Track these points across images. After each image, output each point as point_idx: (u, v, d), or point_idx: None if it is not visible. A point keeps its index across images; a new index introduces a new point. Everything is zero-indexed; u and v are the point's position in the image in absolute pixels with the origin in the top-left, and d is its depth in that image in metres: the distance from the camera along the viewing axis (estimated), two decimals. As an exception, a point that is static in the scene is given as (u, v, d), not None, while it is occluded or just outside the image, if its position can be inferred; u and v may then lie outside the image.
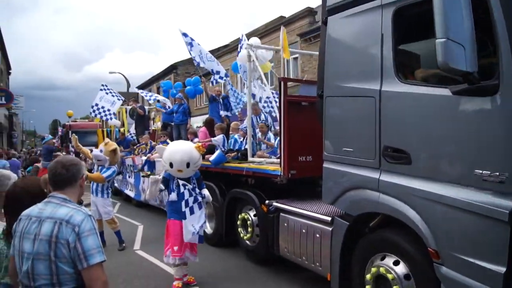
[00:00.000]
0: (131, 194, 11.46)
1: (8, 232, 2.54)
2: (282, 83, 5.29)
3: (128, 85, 32.17)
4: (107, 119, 13.44)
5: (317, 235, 4.76)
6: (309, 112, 5.45)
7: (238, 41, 24.90)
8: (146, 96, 14.12)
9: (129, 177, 11.61)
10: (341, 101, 4.36)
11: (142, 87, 41.71)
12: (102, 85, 13.20)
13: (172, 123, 11.20)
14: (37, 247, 2.12)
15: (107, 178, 7.15)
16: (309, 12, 21.66)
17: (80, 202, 8.31)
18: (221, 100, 9.68)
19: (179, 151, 5.28)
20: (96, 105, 12.94)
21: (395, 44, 3.78)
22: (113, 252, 7.00)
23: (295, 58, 21.36)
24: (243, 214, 6.26)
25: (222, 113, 9.51)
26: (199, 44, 8.62)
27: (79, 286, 2.18)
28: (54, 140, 35.45)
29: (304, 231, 4.96)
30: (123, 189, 12.37)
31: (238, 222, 6.37)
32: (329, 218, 4.60)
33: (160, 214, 10.03)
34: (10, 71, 33.74)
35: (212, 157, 6.73)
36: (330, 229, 4.58)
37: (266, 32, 24.34)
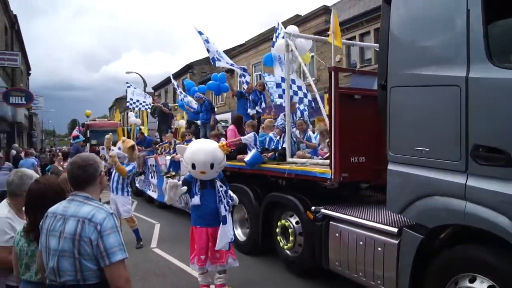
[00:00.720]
0: (154, 195, 10.84)
1: (29, 230, 2.56)
2: (333, 73, 4.55)
3: (145, 85, 31.66)
4: (146, 109, 13.76)
5: (379, 248, 4.03)
6: (362, 106, 4.76)
7: (253, 40, 23.89)
8: (178, 89, 13.29)
9: (151, 177, 11.00)
10: (412, 91, 3.62)
11: (158, 87, 41.26)
12: (127, 83, 13.57)
13: (198, 121, 10.73)
14: (62, 245, 2.16)
15: (129, 172, 7.21)
16: (324, 10, 21.11)
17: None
18: (250, 97, 8.80)
19: (201, 151, 4.69)
20: (131, 99, 13.39)
21: (487, 21, 3.03)
22: (130, 250, 6.83)
23: (311, 57, 20.62)
24: (283, 221, 5.53)
25: (250, 111, 8.64)
26: (214, 44, 8.24)
27: (102, 282, 2.19)
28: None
29: (361, 243, 4.23)
30: (145, 190, 11.76)
31: (277, 230, 5.64)
32: (395, 229, 3.86)
33: (176, 212, 10.00)
34: (29, 71, 33.51)
35: (247, 157, 6.02)
36: (396, 242, 3.84)
37: None
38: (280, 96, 8.27)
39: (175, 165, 8.93)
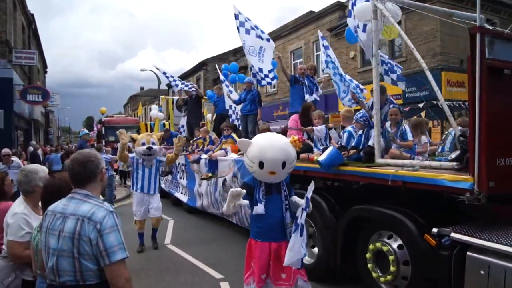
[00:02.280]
0: (183, 198, 9.18)
1: None
2: (478, 35, 2.91)
3: (159, 82, 30.21)
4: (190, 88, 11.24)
5: None
6: (510, 85, 3.11)
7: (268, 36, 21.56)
8: (221, 76, 10.89)
9: (180, 178, 9.26)
10: None
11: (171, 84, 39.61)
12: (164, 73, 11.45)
13: (229, 114, 9.17)
14: (61, 244, 2.00)
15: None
16: (338, 6, 19.83)
17: (113, 198, 10.13)
18: (305, 81, 7.16)
19: (273, 146, 3.46)
20: (174, 80, 11.16)
21: None
22: (145, 246, 6.55)
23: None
24: (377, 244, 3.89)
25: (308, 97, 6.93)
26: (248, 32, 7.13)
27: (102, 282, 2.02)
28: (90, 136, 34.11)
29: (535, 289, 2.61)
30: (172, 192, 10.07)
31: (367, 255, 4.00)
32: None
33: (190, 209, 9.19)
34: (46, 69, 32.20)
35: (323, 157, 4.33)
36: None
37: (295, 27, 22.50)
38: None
39: (212, 165, 7.30)
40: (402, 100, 14.30)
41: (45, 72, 32.22)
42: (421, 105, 12.63)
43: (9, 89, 14.42)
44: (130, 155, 6.61)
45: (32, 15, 22.79)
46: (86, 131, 16.38)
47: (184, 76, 36.22)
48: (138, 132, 24.51)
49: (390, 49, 17.35)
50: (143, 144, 6.26)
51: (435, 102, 8.76)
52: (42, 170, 2.96)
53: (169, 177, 10.04)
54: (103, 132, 25.60)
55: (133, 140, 6.53)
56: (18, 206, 2.82)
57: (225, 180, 6.79)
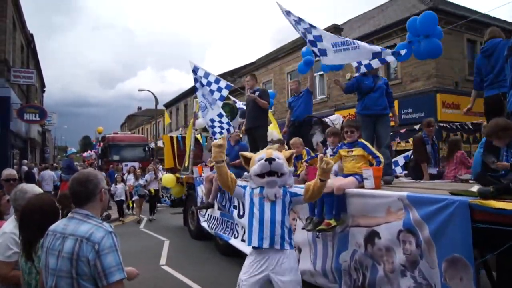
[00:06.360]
0: (246, 248, 4.13)
1: (22, 248, 2.42)
2: None
3: (156, 102, 30.04)
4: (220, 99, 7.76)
5: None
6: None
7: (263, 59, 21.33)
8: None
9: (240, 214, 5.75)
10: None
11: (169, 104, 39.19)
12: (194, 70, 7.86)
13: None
14: (60, 264, 1.96)
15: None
16: (335, 29, 19.80)
17: (108, 217, 8.78)
18: None
19: None
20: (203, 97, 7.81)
21: None
22: (137, 266, 5.84)
23: (321, 75, 19.72)
24: None
25: None
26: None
27: None
28: (86, 154, 32.86)
29: None
30: (222, 235, 6.56)
31: None
32: None
33: (186, 229, 9.13)
34: (44, 89, 31.62)
35: None
36: None
37: (293, 49, 22.49)
38: None
39: (333, 202, 4.00)
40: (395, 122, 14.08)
41: (43, 91, 31.76)
42: (417, 127, 12.44)
43: (7, 107, 13.96)
44: (239, 183, 3.44)
45: (32, 35, 22.51)
46: (73, 150, 15.44)
47: (182, 97, 35.92)
48: (148, 152, 21.76)
49: (386, 71, 17.35)
50: (261, 160, 3.28)
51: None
52: (32, 191, 2.86)
53: (217, 213, 6.84)
54: (101, 152, 23.50)
55: (245, 160, 3.53)
56: (8, 225, 2.74)
57: (374, 234, 3.59)
